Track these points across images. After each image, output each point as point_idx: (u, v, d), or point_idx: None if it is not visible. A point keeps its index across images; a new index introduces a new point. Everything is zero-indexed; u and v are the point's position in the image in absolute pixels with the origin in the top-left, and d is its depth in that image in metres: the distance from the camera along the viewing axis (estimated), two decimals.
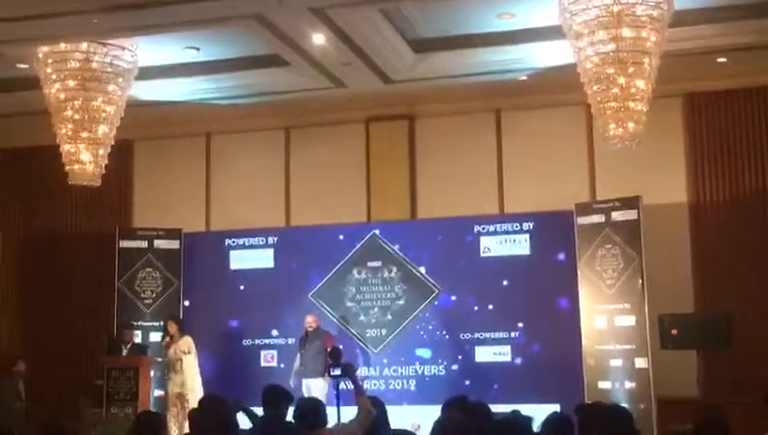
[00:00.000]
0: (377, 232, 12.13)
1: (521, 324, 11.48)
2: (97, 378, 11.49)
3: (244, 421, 6.27)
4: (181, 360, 11.39)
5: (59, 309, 13.14)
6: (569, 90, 10.03)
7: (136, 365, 11.18)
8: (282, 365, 11.90)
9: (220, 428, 5.13)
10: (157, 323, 12.16)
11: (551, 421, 5.14)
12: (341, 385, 8.42)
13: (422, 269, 11.92)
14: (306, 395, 10.72)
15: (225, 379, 11.55)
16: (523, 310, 11.48)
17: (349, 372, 7.11)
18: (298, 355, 11.41)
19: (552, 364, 11.11)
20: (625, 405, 8.10)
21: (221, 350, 12.24)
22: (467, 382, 11.36)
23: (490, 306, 11.61)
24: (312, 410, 5.90)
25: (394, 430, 6.47)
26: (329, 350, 10.77)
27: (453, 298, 11.78)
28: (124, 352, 11.62)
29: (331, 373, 8.12)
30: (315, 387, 10.96)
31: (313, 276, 12.19)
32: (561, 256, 11.39)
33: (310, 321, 11.44)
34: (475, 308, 11.67)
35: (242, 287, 12.43)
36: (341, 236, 12.26)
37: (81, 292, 13.06)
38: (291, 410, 6.71)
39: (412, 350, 11.82)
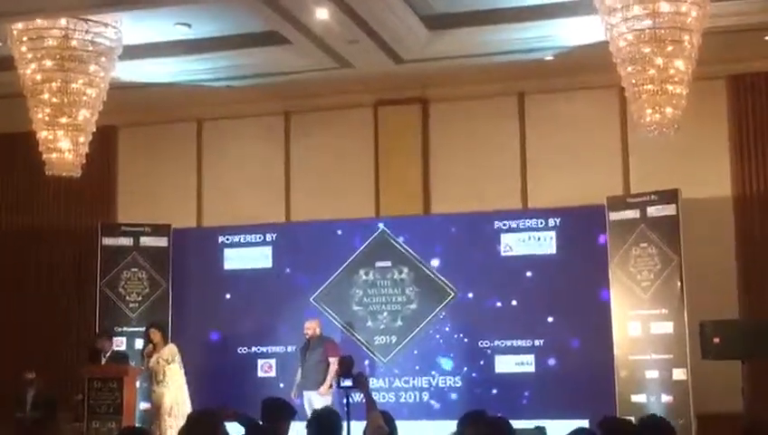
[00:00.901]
0: (386, 228, 12.14)
1: (550, 320, 11.44)
2: (77, 391, 11.50)
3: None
4: (164, 370, 11.39)
5: (35, 314, 13.16)
6: (600, 71, 10.03)
7: (120, 375, 11.16)
8: (281, 384, 11.81)
9: None
10: (143, 329, 12.15)
11: None
12: (349, 397, 8.42)
13: (436, 269, 11.92)
14: (308, 408, 10.77)
15: (218, 391, 11.54)
16: (547, 317, 11.47)
17: (361, 383, 7.09)
18: (300, 366, 11.43)
19: (580, 376, 11.11)
20: None
21: (213, 359, 12.29)
22: (486, 395, 11.36)
23: (511, 308, 11.64)
24: (329, 427, 5.86)
25: None
26: (338, 359, 10.77)
27: (470, 299, 11.80)
28: (103, 363, 11.64)
29: (341, 384, 8.12)
30: (317, 400, 10.97)
31: (316, 278, 12.21)
32: (591, 256, 11.37)
33: (309, 327, 11.47)
34: (495, 313, 11.68)
35: (237, 289, 12.45)
36: (347, 234, 12.28)
37: (59, 295, 13.10)
38: (292, 425, 6.74)
39: (425, 359, 11.84)
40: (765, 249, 11.32)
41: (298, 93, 12.51)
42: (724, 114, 11.62)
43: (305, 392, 11.23)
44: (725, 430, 6.17)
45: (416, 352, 11.87)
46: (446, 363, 11.77)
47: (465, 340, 11.75)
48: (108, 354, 11.70)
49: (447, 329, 11.82)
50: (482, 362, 11.65)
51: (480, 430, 5.43)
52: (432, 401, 11.72)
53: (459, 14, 10.76)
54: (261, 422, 6.73)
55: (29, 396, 11.94)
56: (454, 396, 11.60)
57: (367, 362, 11.82)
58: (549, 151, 12.07)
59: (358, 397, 8.94)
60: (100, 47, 9.74)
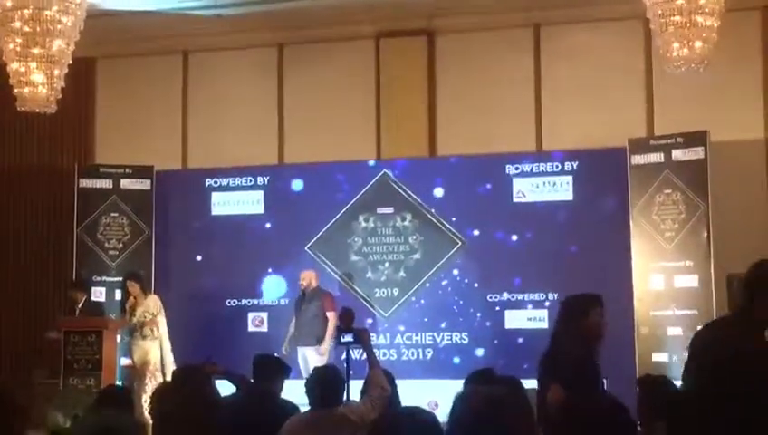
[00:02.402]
0: (388, 171, 12.16)
1: (561, 277, 11.47)
2: (51, 333, 11.51)
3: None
4: (153, 324, 11.45)
5: (5, 263, 13.20)
6: (623, 0, 9.95)
7: (99, 328, 11.20)
8: (276, 353, 11.72)
9: (200, 406, 5.17)
10: None
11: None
12: (348, 353, 8.48)
13: (442, 216, 11.95)
14: (302, 365, 10.86)
15: (204, 346, 11.47)
16: (562, 267, 11.49)
17: (362, 339, 7.12)
18: (294, 319, 11.50)
19: None
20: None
21: (199, 311, 12.32)
22: (495, 353, 11.43)
23: (522, 262, 11.68)
24: (332, 386, 5.88)
25: (405, 407, 6.52)
26: (338, 313, 10.85)
27: (478, 246, 11.82)
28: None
29: (341, 340, 8.17)
30: (311, 357, 11.04)
31: (311, 225, 12.23)
32: (611, 203, 11.42)
33: (305, 277, 11.51)
34: (508, 258, 11.74)
35: (225, 237, 12.47)
36: (345, 177, 12.31)
37: (32, 241, 13.13)
38: (286, 384, 6.81)
39: (430, 314, 11.89)
40: None
41: (292, 23, 12.44)
42: (758, 49, 11.55)
43: (299, 348, 11.29)
44: None
45: (423, 301, 11.90)
46: (453, 319, 11.82)
47: (471, 297, 11.79)
48: (80, 306, 11.72)
49: (456, 279, 11.87)
50: (489, 319, 11.71)
51: (489, 389, 5.47)
52: (435, 359, 11.78)
53: None
54: (252, 381, 6.79)
55: None
56: (459, 354, 11.66)
57: (370, 321, 11.83)
58: (566, 89, 12.04)
59: (356, 353, 9.02)
60: None
